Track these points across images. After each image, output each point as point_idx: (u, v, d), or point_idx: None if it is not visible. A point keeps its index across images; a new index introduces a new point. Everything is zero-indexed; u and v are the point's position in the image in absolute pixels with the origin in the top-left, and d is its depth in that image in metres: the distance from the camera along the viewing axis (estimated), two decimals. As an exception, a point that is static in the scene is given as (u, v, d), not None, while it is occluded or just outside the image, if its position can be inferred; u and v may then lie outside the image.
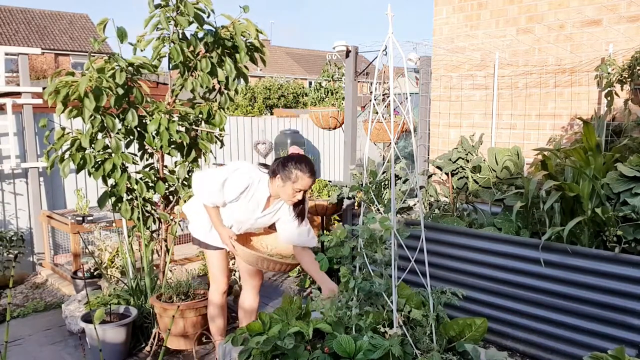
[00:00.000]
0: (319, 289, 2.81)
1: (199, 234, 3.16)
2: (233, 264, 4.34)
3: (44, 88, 3.29)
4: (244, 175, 2.89)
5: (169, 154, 3.53)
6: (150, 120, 3.36)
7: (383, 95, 4.67)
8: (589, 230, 3.09)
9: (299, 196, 2.85)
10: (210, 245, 3.15)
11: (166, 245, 3.85)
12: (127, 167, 3.45)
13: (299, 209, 2.98)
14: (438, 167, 4.42)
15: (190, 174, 3.76)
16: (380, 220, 2.28)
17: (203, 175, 2.96)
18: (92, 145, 3.30)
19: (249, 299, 3.35)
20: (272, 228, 3.24)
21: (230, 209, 2.99)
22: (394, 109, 4.38)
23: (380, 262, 2.35)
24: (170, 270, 4.18)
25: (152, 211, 3.73)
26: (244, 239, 3.20)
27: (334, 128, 5.17)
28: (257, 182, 2.92)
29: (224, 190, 2.88)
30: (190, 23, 3.28)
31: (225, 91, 3.68)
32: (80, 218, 4.77)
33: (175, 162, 3.75)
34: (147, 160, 3.74)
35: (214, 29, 3.41)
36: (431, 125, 5.08)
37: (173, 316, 3.30)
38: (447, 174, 4.29)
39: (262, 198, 2.95)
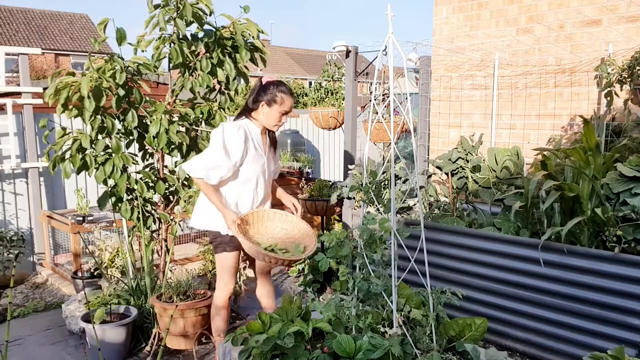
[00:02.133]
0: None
1: (217, 226, 2.97)
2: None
3: (44, 88, 3.29)
4: (232, 126, 2.85)
5: (169, 154, 3.53)
6: (150, 121, 3.36)
7: (383, 95, 4.67)
8: (588, 230, 3.09)
9: (284, 119, 2.91)
10: (226, 241, 2.97)
11: (166, 245, 3.85)
12: (127, 167, 3.45)
13: (271, 139, 3.08)
14: (438, 167, 4.42)
15: (190, 174, 3.76)
16: (380, 221, 2.29)
17: (197, 160, 2.84)
18: (93, 145, 3.30)
19: (266, 286, 3.29)
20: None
21: (246, 169, 2.90)
22: (394, 109, 4.39)
23: (379, 262, 2.35)
24: (170, 270, 4.18)
25: (152, 211, 3.73)
26: (260, 223, 3.01)
27: (334, 128, 5.17)
28: (246, 125, 2.92)
29: (231, 154, 2.80)
30: (189, 23, 3.28)
31: (226, 91, 3.68)
32: (81, 218, 4.77)
33: (175, 162, 3.76)
34: (147, 160, 3.75)
35: (214, 29, 3.41)
36: (431, 125, 5.09)
37: (172, 316, 3.30)
38: (447, 174, 4.30)
39: (258, 135, 2.95)
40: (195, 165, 2.81)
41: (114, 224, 4.67)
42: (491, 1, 4.81)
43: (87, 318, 3.43)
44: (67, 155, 3.26)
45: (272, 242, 2.92)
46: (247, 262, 3.47)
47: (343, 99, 4.95)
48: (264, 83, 2.93)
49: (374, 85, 2.54)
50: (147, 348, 3.53)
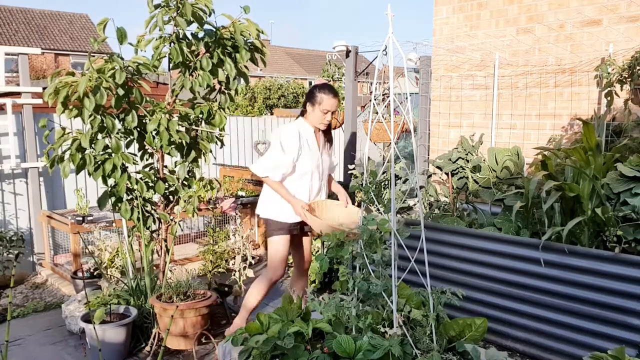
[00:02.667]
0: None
1: (274, 214, 3.37)
2: (233, 264, 4.34)
3: (44, 88, 3.29)
4: (289, 127, 3.27)
5: (169, 154, 3.53)
6: (150, 120, 3.36)
7: (383, 95, 4.67)
8: (589, 230, 3.09)
9: (328, 117, 3.22)
10: (284, 227, 3.34)
11: (166, 245, 3.85)
12: (127, 167, 3.45)
13: (326, 136, 3.42)
14: (438, 167, 4.42)
15: (190, 174, 3.76)
16: (380, 222, 2.28)
17: (261, 161, 3.26)
18: (92, 145, 3.30)
19: (300, 282, 3.72)
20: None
21: (302, 165, 3.25)
22: (394, 109, 4.38)
23: (379, 262, 2.35)
24: (170, 270, 4.18)
25: (152, 211, 3.73)
26: (321, 210, 3.33)
27: (334, 128, 5.17)
28: (301, 125, 3.30)
29: (287, 151, 3.18)
30: (189, 23, 3.27)
31: (226, 91, 3.68)
32: (80, 218, 4.77)
33: (175, 162, 3.75)
34: (147, 160, 3.74)
35: (214, 29, 3.41)
36: (431, 125, 5.08)
37: (172, 316, 3.30)
38: (447, 174, 4.29)
39: (311, 134, 3.30)
40: (260, 166, 3.25)
41: (114, 224, 4.67)
42: (491, 1, 4.81)
43: (87, 318, 3.43)
44: (67, 155, 3.26)
45: (335, 224, 3.12)
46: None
47: (343, 99, 4.94)
48: (315, 83, 3.34)
49: (374, 85, 2.53)
50: (147, 348, 3.53)
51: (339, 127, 5.20)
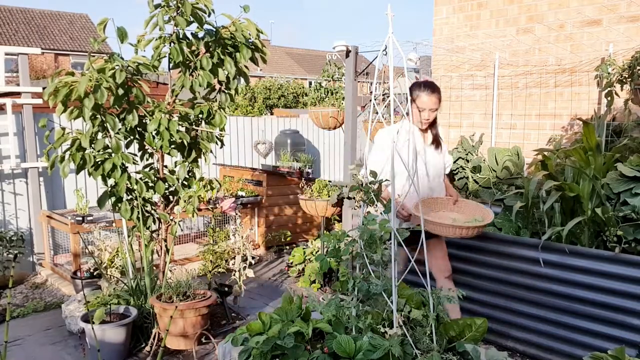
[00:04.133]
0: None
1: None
2: (232, 264, 4.34)
3: (44, 88, 3.29)
4: (388, 128, 3.05)
5: (169, 154, 3.52)
6: (150, 120, 3.36)
7: (383, 95, 4.67)
8: (589, 230, 3.09)
9: (425, 115, 3.01)
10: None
11: (166, 245, 3.85)
12: (127, 167, 3.45)
13: (433, 136, 3.20)
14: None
15: (190, 174, 3.76)
16: (381, 222, 2.28)
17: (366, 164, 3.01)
18: (92, 145, 3.30)
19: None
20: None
21: (403, 164, 2.93)
22: (394, 109, 4.38)
23: (379, 262, 2.35)
24: (170, 270, 4.18)
25: (152, 211, 3.73)
26: (434, 208, 3.14)
27: (334, 128, 5.17)
28: (404, 124, 3.03)
29: (381, 151, 3.00)
30: (189, 23, 3.27)
31: (226, 91, 3.68)
32: (80, 218, 4.77)
33: (175, 162, 3.75)
34: (147, 160, 3.74)
35: (214, 29, 3.41)
36: (431, 125, 5.07)
37: (171, 316, 3.30)
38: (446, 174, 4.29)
39: (414, 133, 2.98)
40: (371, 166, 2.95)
41: (114, 224, 4.66)
42: (491, 1, 4.81)
43: (86, 318, 3.43)
44: (67, 155, 3.26)
45: (449, 221, 2.96)
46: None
47: (343, 99, 4.94)
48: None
49: (374, 85, 2.53)
50: (147, 348, 3.53)
51: (339, 127, 5.20)
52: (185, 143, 3.53)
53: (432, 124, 3.18)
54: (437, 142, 3.23)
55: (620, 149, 3.34)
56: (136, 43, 3.34)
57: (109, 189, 3.45)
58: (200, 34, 3.40)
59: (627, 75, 3.42)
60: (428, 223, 2.77)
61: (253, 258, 4.47)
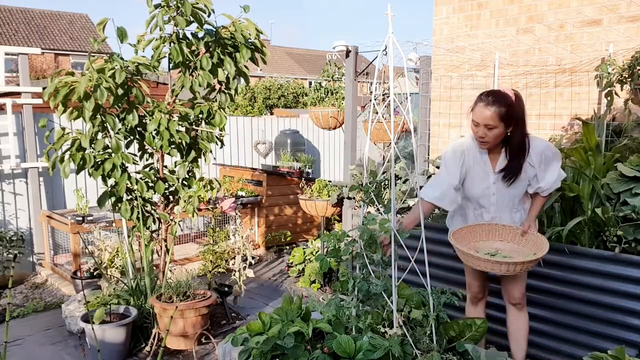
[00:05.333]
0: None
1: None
2: (232, 264, 4.34)
3: (44, 88, 3.29)
4: (455, 142, 2.66)
5: (169, 154, 3.53)
6: (150, 120, 3.36)
7: (383, 95, 4.67)
8: (589, 230, 3.09)
9: (480, 132, 2.42)
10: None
11: (166, 245, 3.85)
12: (127, 167, 3.45)
13: (507, 164, 2.50)
14: (438, 167, 4.41)
15: (190, 174, 3.76)
16: (381, 222, 2.28)
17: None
18: (92, 145, 3.30)
19: (515, 322, 2.85)
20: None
21: (466, 187, 2.64)
22: (394, 109, 4.38)
23: (379, 262, 2.35)
24: (170, 270, 4.18)
25: (152, 211, 3.73)
26: (480, 236, 2.70)
27: (334, 128, 5.17)
28: (468, 140, 2.60)
29: (443, 169, 2.62)
30: (189, 23, 3.28)
31: (226, 91, 3.68)
32: (80, 218, 4.77)
33: (175, 162, 3.75)
34: (147, 160, 3.74)
35: (214, 29, 3.41)
36: (431, 125, 5.08)
37: (172, 317, 3.30)
38: (447, 174, 4.28)
39: (476, 153, 2.58)
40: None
41: (114, 224, 4.67)
42: (491, 1, 4.81)
43: (86, 318, 3.43)
44: (67, 156, 3.26)
45: (493, 251, 2.59)
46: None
47: (343, 98, 4.94)
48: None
49: (374, 85, 2.53)
50: (147, 348, 3.52)
51: (339, 127, 5.20)
52: (185, 143, 3.53)
53: (514, 149, 2.49)
54: (509, 175, 2.52)
55: (620, 149, 3.34)
56: (136, 43, 3.34)
57: (109, 189, 3.45)
58: (200, 34, 3.41)
59: (627, 75, 3.42)
60: (458, 250, 2.49)
61: (253, 258, 4.47)
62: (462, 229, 2.67)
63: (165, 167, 3.75)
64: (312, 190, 4.90)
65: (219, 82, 3.60)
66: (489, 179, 2.59)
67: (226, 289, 4.19)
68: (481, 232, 2.69)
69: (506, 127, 2.44)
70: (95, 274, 4.45)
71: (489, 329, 3.02)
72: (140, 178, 3.51)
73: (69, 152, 3.25)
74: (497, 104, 2.39)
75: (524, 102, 2.53)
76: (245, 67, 3.63)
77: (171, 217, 3.79)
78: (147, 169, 3.66)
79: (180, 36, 3.37)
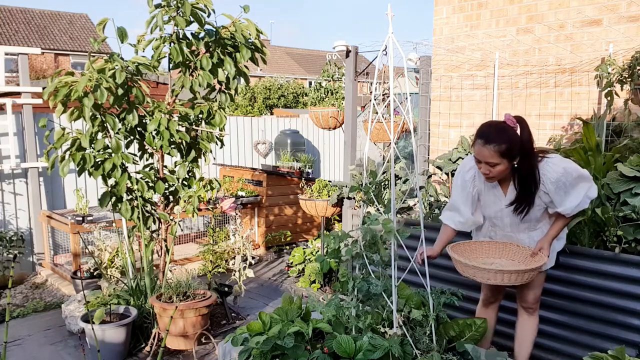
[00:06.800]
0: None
1: None
2: (232, 264, 4.34)
3: (43, 88, 3.29)
4: (465, 162, 2.58)
5: (169, 154, 3.53)
6: (150, 120, 3.36)
7: (383, 95, 4.67)
8: (589, 230, 3.08)
9: (483, 169, 2.34)
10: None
11: (166, 245, 3.85)
12: (127, 166, 3.45)
13: (517, 195, 2.41)
14: (438, 167, 4.41)
15: (190, 174, 3.76)
16: (384, 222, 2.28)
17: None
18: (92, 145, 3.30)
19: (523, 324, 2.80)
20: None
21: (483, 208, 2.61)
22: (394, 109, 4.38)
23: (378, 262, 2.35)
24: (170, 270, 4.18)
25: (152, 211, 3.73)
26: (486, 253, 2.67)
27: (334, 128, 5.17)
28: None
29: (455, 189, 2.58)
30: (189, 23, 3.28)
31: (226, 91, 3.68)
32: (80, 218, 4.77)
33: (175, 162, 3.75)
34: (147, 160, 3.74)
35: (214, 29, 3.41)
36: (431, 125, 5.08)
37: (172, 317, 3.30)
38: (447, 174, 4.29)
39: (483, 179, 2.50)
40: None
41: (114, 224, 4.67)
42: (491, 1, 4.81)
43: (86, 318, 3.43)
44: (67, 156, 3.26)
45: (493, 266, 2.53)
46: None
47: (343, 98, 4.94)
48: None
49: (374, 85, 2.53)
50: (147, 348, 3.52)
51: (339, 127, 5.20)
52: (185, 143, 3.53)
53: (523, 181, 2.39)
54: (519, 207, 2.44)
55: (620, 149, 3.34)
56: (136, 43, 3.34)
57: (109, 188, 3.45)
58: (200, 34, 3.41)
59: (627, 75, 3.42)
60: (458, 262, 2.47)
61: (253, 258, 4.47)
62: (460, 245, 2.65)
63: (165, 167, 3.75)
64: (312, 190, 4.90)
65: (219, 82, 3.60)
66: (501, 203, 2.49)
67: (226, 289, 4.19)
68: (481, 249, 2.67)
69: (510, 161, 2.32)
70: (95, 274, 4.45)
71: (497, 331, 3.03)
72: (141, 178, 3.51)
73: (69, 152, 3.25)
74: (496, 142, 2.27)
75: (528, 127, 2.39)
76: (245, 67, 3.63)
77: (171, 217, 3.79)
78: (147, 169, 3.66)
79: (181, 36, 3.36)
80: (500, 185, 2.47)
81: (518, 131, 2.34)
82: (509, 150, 2.28)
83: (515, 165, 2.35)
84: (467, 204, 2.56)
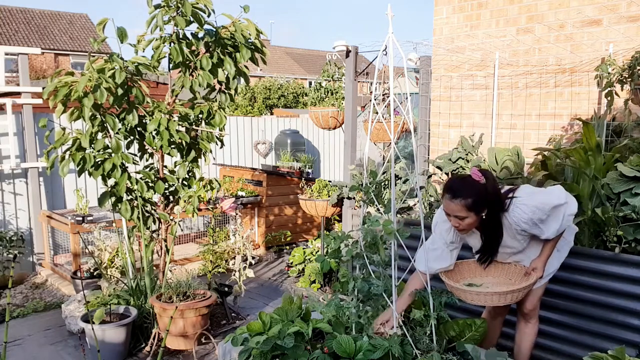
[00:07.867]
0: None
1: None
2: (233, 264, 4.34)
3: (43, 88, 3.29)
4: (438, 218, 2.62)
5: (169, 154, 3.53)
6: (150, 120, 3.36)
7: (383, 95, 4.67)
8: (589, 230, 3.08)
9: (453, 222, 2.39)
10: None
11: (166, 245, 3.84)
12: (127, 167, 3.45)
13: (484, 250, 2.55)
14: (438, 167, 4.41)
15: (190, 174, 3.76)
16: (384, 223, 2.28)
17: None
18: (92, 145, 3.30)
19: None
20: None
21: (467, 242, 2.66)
22: (394, 109, 4.38)
23: (378, 263, 2.35)
24: (170, 270, 4.18)
25: (152, 211, 3.73)
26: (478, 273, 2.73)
27: (334, 128, 5.17)
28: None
29: (434, 233, 2.61)
30: (189, 23, 3.28)
31: (226, 91, 3.68)
32: (80, 218, 4.77)
33: (175, 162, 3.75)
34: (147, 160, 3.74)
35: (214, 29, 3.41)
36: (431, 125, 5.08)
37: (172, 317, 3.30)
38: (447, 174, 4.29)
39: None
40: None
41: (114, 224, 4.67)
42: (491, 1, 4.81)
43: (86, 318, 3.43)
44: (67, 156, 3.26)
45: (479, 282, 2.62)
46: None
47: (343, 98, 4.94)
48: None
49: (374, 85, 2.53)
50: (147, 348, 3.52)
51: (339, 127, 5.20)
52: (185, 143, 3.53)
53: (489, 232, 2.48)
54: (484, 258, 2.61)
55: (620, 149, 3.34)
56: (136, 43, 3.34)
57: (109, 188, 3.45)
58: (200, 34, 3.41)
59: (627, 75, 3.41)
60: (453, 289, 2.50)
61: (253, 258, 4.47)
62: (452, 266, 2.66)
63: (165, 167, 3.75)
64: (312, 190, 4.90)
65: (219, 82, 3.59)
66: (479, 240, 2.59)
67: (226, 289, 4.19)
68: (468, 269, 2.72)
69: (477, 214, 2.35)
70: (95, 274, 4.45)
71: (503, 333, 3.03)
72: (140, 178, 3.51)
73: (68, 152, 3.25)
74: (462, 197, 2.32)
75: (494, 177, 2.41)
76: (245, 67, 3.63)
77: (171, 217, 3.79)
78: (147, 169, 3.66)
79: (180, 36, 3.36)
80: (477, 229, 2.52)
81: (484, 182, 2.37)
82: (475, 203, 2.32)
83: (484, 217, 2.39)
84: (442, 241, 2.57)
